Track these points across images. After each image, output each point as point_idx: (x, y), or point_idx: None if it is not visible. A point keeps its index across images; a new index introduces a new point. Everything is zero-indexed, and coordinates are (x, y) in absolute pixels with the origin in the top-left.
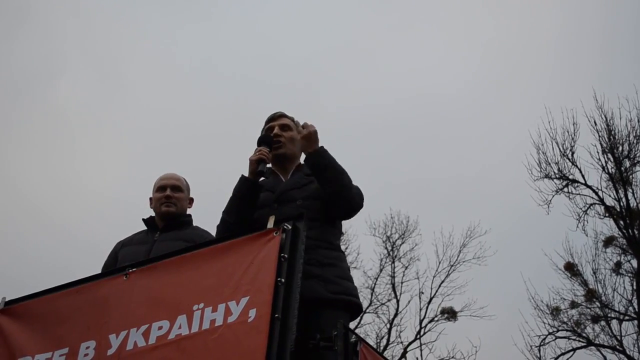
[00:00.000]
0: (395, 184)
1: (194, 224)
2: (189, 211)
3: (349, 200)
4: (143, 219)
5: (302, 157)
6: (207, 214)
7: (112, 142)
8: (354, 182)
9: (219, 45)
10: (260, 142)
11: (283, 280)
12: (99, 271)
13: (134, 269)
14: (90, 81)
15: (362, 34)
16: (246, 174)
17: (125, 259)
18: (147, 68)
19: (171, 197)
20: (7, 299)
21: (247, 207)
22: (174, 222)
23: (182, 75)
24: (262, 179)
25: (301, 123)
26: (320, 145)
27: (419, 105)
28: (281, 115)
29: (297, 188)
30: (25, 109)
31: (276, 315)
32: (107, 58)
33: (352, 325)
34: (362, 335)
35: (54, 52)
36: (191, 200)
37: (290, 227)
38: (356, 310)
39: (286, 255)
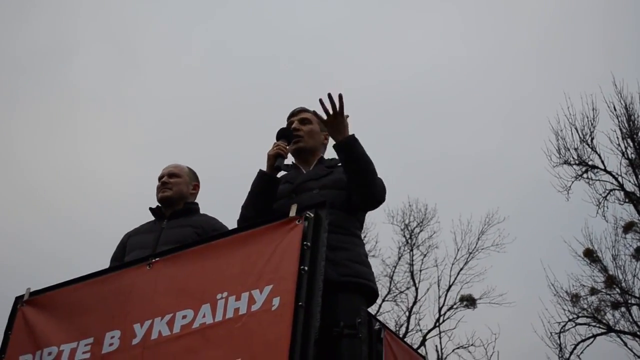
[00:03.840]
0: (413, 163)
1: (208, 213)
2: (197, 200)
3: (374, 192)
4: (150, 208)
5: (324, 150)
6: (225, 197)
7: (125, 124)
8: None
9: (232, 27)
10: (280, 135)
11: (306, 268)
12: (107, 263)
13: (157, 259)
14: (104, 60)
15: (373, 7)
16: (264, 169)
17: (133, 247)
18: (161, 48)
19: (167, 183)
20: (31, 290)
21: (265, 201)
22: (181, 210)
23: (196, 57)
24: (280, 173)
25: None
26: (350, 133)
27: (435, 80)
28: (301, 110)
29: (315, 179)
30: (37, 87)
31: (300, 304)
32: (122, 36)
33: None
34: None
35: (68, 28)
36: (196, 187)
37: (312, 215)
38: (371, 295)
39: (309, 243)
